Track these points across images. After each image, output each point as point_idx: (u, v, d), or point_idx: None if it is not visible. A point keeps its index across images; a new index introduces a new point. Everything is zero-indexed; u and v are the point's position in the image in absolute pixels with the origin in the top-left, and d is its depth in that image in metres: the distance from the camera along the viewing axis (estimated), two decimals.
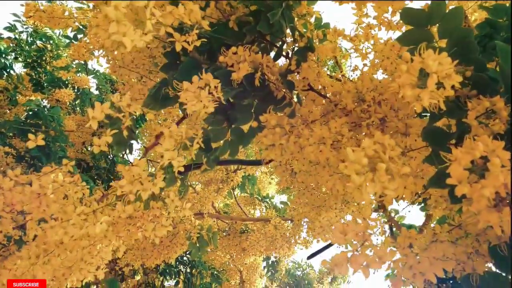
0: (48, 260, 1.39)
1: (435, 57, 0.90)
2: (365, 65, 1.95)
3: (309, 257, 4.34)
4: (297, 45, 1.60)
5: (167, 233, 3.99)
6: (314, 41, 1.74)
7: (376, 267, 0.95)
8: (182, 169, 1.55)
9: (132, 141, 1.90)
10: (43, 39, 5.28)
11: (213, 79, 1.28)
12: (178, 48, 1.19)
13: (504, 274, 1.07)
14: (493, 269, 1.14)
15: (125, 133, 1.53)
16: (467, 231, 1.17)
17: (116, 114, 1.28)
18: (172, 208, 1.61)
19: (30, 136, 1.54)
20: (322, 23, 2.12)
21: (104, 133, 1.54)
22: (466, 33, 1.22)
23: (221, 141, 1.85)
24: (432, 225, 3.84)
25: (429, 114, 1.30)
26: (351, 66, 1.94)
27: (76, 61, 5.49)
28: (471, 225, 1.14)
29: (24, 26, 5.25)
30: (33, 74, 5.19)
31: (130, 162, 3.13)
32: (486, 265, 1.14)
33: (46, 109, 4.55)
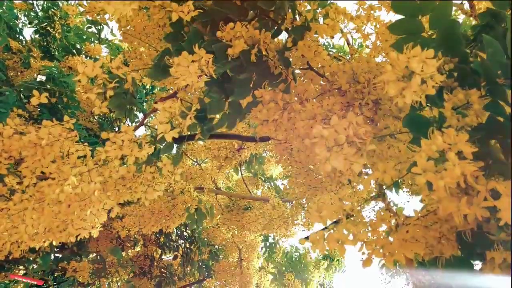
0: (41, 209, 1.46)
1: (421, 57, 0.91)
2: (367, 46, 1.97)
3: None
4: (295, 22, 1.63)
5: (166, 203, 4.08)
6: (318, 19, 1.76)
7: (351, 244, 0.99)
8: (176, 135, 1.61)
9: (133, 107, 1.96)
10: (54, 8, 5.32)
11: (206, 54, 1.32)
12: (174, 18, 1.22)
13: (468, 259, 1.11)
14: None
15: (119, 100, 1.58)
16: (439, 217, 1.21)
17: (103, 77, 1.32)
18: (165, 173, 1.67)
19: (35, 92, 1.60)
20: (328, 3, 2.13)
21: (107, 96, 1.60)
22: (452, 25, 1.23)
23: (218, 114, 1.89)
24: None
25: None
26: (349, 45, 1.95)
27: (90, 30, 5.54)
28: (442, 212, 1.18)
29: None
30: (41, 41, 5.25)
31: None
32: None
33: (62, 75, 4.65)
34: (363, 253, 1.00)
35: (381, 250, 1.05)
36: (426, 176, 0.85)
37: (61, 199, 1.30)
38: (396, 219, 1.07)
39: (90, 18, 5.22)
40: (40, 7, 5.28)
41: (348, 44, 3.44)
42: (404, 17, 1.27)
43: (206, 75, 1.30)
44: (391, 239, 1.04)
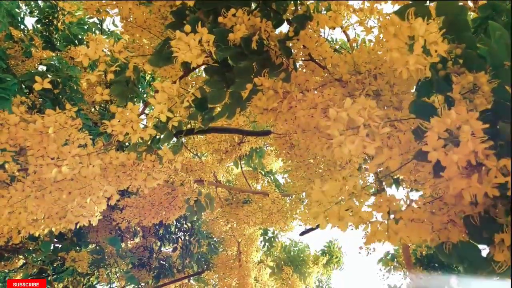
0: (42, 195, 1.47)
1: (422, 22, 0.93)
2: (369, 41, 1.97)
3: (302, 234, 4.42)
4: (297, 12, 1.63)
5: (166, 195, 4.08)
6: (320, 11, 1.76)
7: (352, 221, 0.98)
8: (176, 124, 1.61)
9: (134, 95, 1.96)
10: None
11: (208, 34, 1.32)
12: (177, 1, 1.22)
13: (475, 244, 1.11)
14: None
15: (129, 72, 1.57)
16: (446, 202, 1.21)
17: (106, 58, 1.32)
18: (165, 162, 1.67)
19: (37, 78, 1.60)
20: None
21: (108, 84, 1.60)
22: (459, 11, 1.24)
23: (219, 104, 1.89)
24: None
25: (417, 88, 1.33)
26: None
27: (91, 20, 5.53)
28: (449, 196, 1.18)
29: None
30: (43, 31, 5.24)
31: None
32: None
33: (66, 66, 4.66)
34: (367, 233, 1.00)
35: (385, 230, 1.05)
36: (436, 152, 0.85)
37: (58, 179, 1.30)
38: (403, 201, 1.07)
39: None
40: None
41: (348, 40, 3.43)
42: (411, 2, 1.27)
43: (206, 55, 1.30)
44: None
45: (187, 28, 1.26)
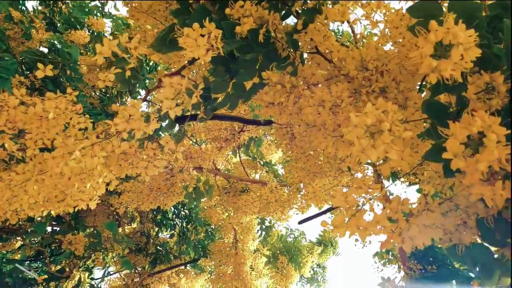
0: (42, 180, 1.46)
1: (459, 28, 0.91)
2: (375, 34, 1.94)
3: (300, 222, 4.43)
4: (306, 5, 1.60)
5: (165, 181, 4.07)
6: (328, 4, 1.73)
7: (373, 230, 0.98)
8: (179, 113, 1.60)
9: (137, 82, 1.94)
10: None
11: (215, 29, 1.30)
12: None
13: (489, 246, 1.11)
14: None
15: (127, 73, 1.57)
16: (457, 204, 1.21)
17: (123, 54, 1.30)
18: (166, 150, 1.66)
19: (40, 65, 1.58)
20: None
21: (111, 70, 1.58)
22: (474, 9, 1.22)
23: (222, 93, 1.88)
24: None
25: (429, 88, 1.31)
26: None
27: (93, 3, 5.46)
28: (461, 198, 1.17)
29: None
30: (47, 12, 5.17)
31: None
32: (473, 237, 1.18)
33: (66, 46, 4.61)
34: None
35: (400, 235, 1.04)
36: (459, 160, 0.83)
37: (65, 172, 1.29)
38: (417, 204, 1.07)
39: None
40: None
41: (353, 32, 3.40)
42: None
43: (213, 51, 1.28)
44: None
45: (196, 25, 1.23)
